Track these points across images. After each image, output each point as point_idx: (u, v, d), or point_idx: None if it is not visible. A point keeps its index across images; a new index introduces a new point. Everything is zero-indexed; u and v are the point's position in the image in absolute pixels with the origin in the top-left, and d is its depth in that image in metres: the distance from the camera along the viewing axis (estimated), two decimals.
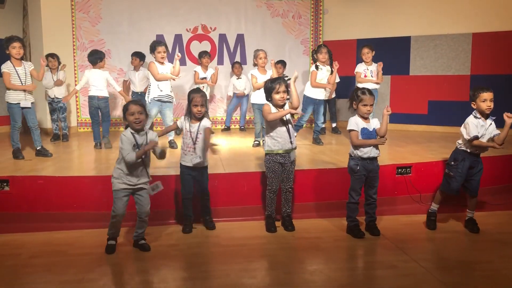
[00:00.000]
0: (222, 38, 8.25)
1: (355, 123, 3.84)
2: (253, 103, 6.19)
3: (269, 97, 3.92)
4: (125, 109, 3.48)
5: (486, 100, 3.78)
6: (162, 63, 5.85)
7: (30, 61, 7.37)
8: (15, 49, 5.07)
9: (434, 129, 7.55)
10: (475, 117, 3.86)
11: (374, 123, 3.88)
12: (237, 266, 3.29)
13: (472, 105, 3.89)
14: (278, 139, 3.89)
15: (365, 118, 3.85)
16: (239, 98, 7.94)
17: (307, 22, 8.43)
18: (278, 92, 3.84)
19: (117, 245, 3.60)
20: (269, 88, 3.90)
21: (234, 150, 5.89)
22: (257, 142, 6.24)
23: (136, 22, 7.96)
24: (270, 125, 3.92)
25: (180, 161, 4.01)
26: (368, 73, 6.48)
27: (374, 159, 3.86)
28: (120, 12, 7.91)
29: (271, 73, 5.96)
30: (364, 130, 3.81)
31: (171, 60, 6.28)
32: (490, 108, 3.80)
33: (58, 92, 6.76)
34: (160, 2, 8.01)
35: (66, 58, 7.52)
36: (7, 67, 5.10)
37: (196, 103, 3.84)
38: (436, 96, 7.59)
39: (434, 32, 7.60)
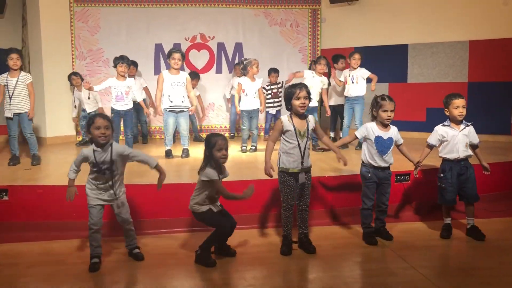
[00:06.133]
0: (221, 47, 8.29)
1: (370, 128, 3.84)
2: (242, 109, 6.34)
3: (288, 104, 3.57)
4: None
5: (458, 107, 3.86)
6: (176, 69, 5.90)
7: (29, 70, 7.43)
8: (12, 60, 5.30)
9: None
10: (443, 125, 3.97)
11: (393, 133, 3.87)
12: (236, 274, 3.29)
13: (446, 112, 3.96)
14: (292, 157, 3.55)
15: (384, 126, 3.82)
16: None
17: (305, 30, 8.47)
18: (298, 98, 3.50)
19: (115, 254, 3.61)
20: (288, 94, 3.54)
21: (235, 159, 5.88)
22: (244, 147, 6.40)
23: (134, 31, 8.00)
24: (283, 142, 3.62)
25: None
26: (349, 79, 6.60)
27: (386, 168, 3.86)
28: (118, 22, 7.95)
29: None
30: (378, 139, 3.79)
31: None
32: (462, 115, 3.87)
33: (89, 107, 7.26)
34: (159, 12, 8.06)
35: (65, 67, 7.56)
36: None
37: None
38: (434, 103, 7.59)
39: (431, 40, 7.65)
